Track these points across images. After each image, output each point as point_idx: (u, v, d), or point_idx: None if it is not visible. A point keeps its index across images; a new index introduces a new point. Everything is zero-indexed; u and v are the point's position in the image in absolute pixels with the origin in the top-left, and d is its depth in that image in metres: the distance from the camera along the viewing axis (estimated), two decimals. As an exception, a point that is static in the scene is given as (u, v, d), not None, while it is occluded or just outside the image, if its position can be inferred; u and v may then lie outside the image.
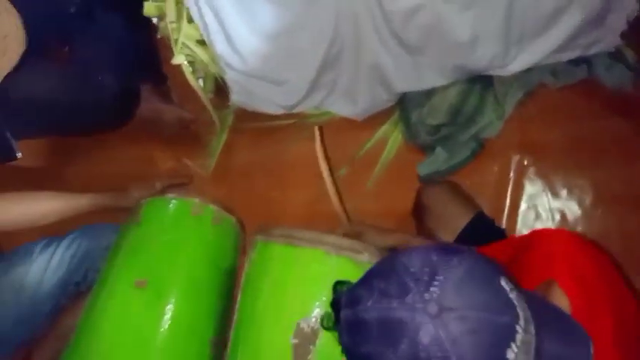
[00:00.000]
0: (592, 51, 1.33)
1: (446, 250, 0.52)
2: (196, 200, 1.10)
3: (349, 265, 0.90)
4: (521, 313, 0.49)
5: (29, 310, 1.23)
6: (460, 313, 0.47)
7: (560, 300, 0.62)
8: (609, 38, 1.29)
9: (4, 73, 1.36)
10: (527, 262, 0.71)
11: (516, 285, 0.51)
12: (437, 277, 0.49)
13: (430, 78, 1.31)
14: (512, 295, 0.50)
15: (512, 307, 0.49)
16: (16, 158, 1.43)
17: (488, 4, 1.14)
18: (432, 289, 0.49)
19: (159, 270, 1.01)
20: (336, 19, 1.16)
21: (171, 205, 1.09)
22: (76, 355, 1.04)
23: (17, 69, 1.38)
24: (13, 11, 1.36)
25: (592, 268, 0.67)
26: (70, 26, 1.40)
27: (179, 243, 1.05)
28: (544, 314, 0.52)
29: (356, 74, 1.32)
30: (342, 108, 1.43)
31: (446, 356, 0.46)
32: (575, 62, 1.36)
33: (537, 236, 0.77)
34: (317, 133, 1.40)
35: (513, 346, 0.47)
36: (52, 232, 1.28)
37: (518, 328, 0.48)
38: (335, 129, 1.45)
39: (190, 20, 1.23)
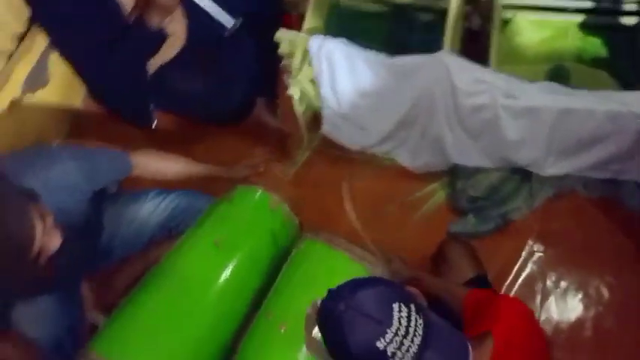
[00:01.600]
0: (621, 177, 1.59)
1: (377, 279, 0.89)
2: (275, 197, 1.47)
3: (364, 272, 1.27)
4: (396, 324, 0.81)
5: (132, 237, 1.62)
6: (358, 310, 0.82)
7: (487, 349, 0.93)
8: (637, 171, 1.55)
9: (166, 59, 1.79)
10: (485, 312, 1.02)
11: (419, 311, 0.83)
12: (360, 291, 0.85)
13: (480, 159, 1.62)
14: (399, 314, 0.82)
15: (390, 318, 0.81)
16: (151, 126, 1.86)
17: (537, 119, 1.44)
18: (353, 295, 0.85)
19: (234, 238, 1.38)
20: (419, 95, 1.49)
21: (257, 195, 1.48)
22: (154, 283, 1.41)
23: (173, 61, 1.81)
24: (184, 20, 1.80)
25: (521, 338, 0.98)
26: (219, 43, 1.81)
27: (254, 224, 1.43)
28: (440, 337, 0.85)
29: (422, 139, 1.64)
30: (405, 159, 1.76)
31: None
32: (606, 181, 1.63)
33: (502, 298, 1.08)
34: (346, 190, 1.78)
35: (382, 340, 0.80)
36: (163, 185, 1.69)
37: (388, 330, 0.80)
38: (394, 173, 1.79)
39: (309, 63, 1.60)
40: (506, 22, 1.80)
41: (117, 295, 1.62)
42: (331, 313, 0.84)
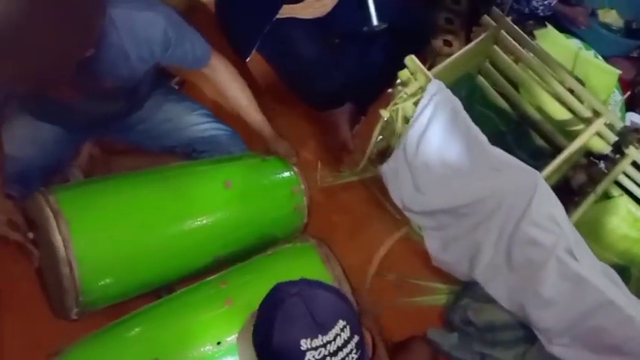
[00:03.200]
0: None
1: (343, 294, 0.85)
2: (303, 185, 1.41)
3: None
4: (330, 336, 0.77)
5: (158, 133, 1.58)
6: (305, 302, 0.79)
7: None
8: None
9: (299, 16, 1.78)
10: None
11: (358, 346, 0.78)
12: (319, 289, 0.81)
13: (500, 292, 1.51)
14: (340, 332, 0.77)
15: (329, 328, 0.77)
16: (245, 59, 1.82)
17: (581, 293, 1.32)
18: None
19: (244, 191, 1.33)
20: (491, 195, 1.40)
21: (289, 171, 1.45)
22: (148, 177, 1.35)
23: (303, 21, 1.79)
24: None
25: None
26: (353, 32, 1.79)
27: (269, 192, 1.40)
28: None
29: (462, 237, 1.54)
30: (433, 246, 1.65)
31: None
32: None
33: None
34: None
35: (309, 342, 0.76)
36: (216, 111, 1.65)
37: (320, 337, 0.77)
38: (415, 249, 1.71)
39: (415, 102, 1.54)
40: (606, 196, 1.70)
41: (106, 172, 1.57)
42: (278, 292, 0.79)
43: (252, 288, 1.18)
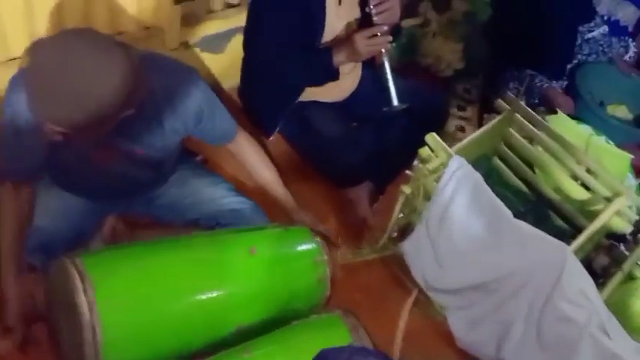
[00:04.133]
0: None
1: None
2: (325, 257, 1.40)
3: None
4: None
5: (182, 206, 1.59)
6: None
7: None
8: None
9: (319, 99, 1.86)
10: None
11: None
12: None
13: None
14: None
15: None
16: (268, 137, 1.88)
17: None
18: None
19: (270, 260, 1.33)
20: (519, 269, 1.38)
21: (313, 241, 1.44)
22: (176, 246, 1.34)
23: (324, 103, 1.87)
24: (358, 78, 1.88)
25: None
26: (373, 111, 1.86)
27: (294, 261, 1.39)
28: None
29: (488, 315, 1.50)
30: (458, 327, 1.60)
31: None
32: None
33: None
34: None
35: None
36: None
37: None
38: (438, 330, 1.65)
39: (436, 180, 1.56)
40: (630, 278, 1.67)
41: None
42: (328, 356, 0.73)
43: (277, 358, 1.14)
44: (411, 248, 1.66)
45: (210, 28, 1.91)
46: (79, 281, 1.10)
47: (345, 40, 1.69)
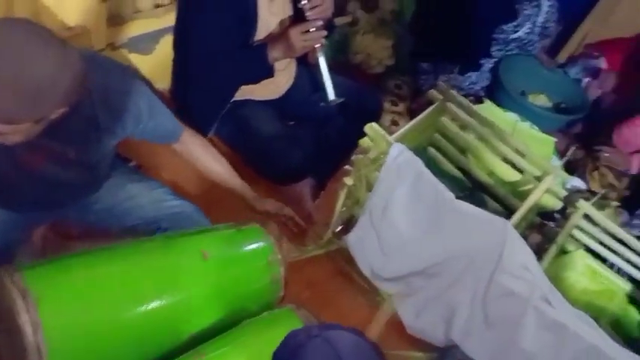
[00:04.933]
0: None
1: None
2: (278, 256, 1.37)
3: None
4: None
5: (119, 212, 1.50)
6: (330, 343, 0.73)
7: None
8: None
9: (254, 98, 1.84)
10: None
11: None
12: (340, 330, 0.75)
13: (480, 352, 1.48)
14: None
15: None
16: (206, 135, 1.84)
17: (562, 340, 1.32)
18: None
19: (223, 262, 1.27)
20: (462, 250, 1.42)
21: (266, 240, 1.39)
22: (123, 251, 1.27)
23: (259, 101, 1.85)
24: (293, 75, 1.88)
25: None
26: (310, 107, 1.86)
27: (247, 262, 1.34)
28: None
29: (435, 299, 1.53)
30: (406, 314, 1.62)
31: None
32: None
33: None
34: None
35: None
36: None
37: None
38: (388, 320, 1.67)
39: (378, 169, 1.58)
40: (564, 252, 1.76)
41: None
42: (294, 338, 0.71)
43: (232, 356, 1.10)
44: (356, 240, 1.66)
45: (138, 28, 1.85)
46: (20, 298, 1.01)
47: (279, 36, 1.68)
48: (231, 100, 1.80)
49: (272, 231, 1.69)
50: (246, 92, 1.82)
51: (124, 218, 1.51)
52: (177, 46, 1.81)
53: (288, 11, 1.75)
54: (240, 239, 1.36)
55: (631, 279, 1.71)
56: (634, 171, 2.21)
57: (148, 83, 1.94)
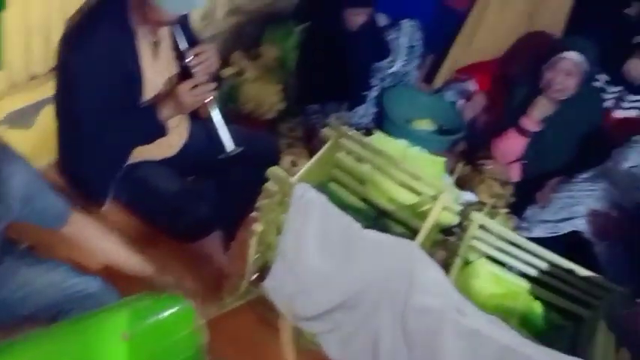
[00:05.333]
0: None
1: None
2: (201, 322, 1.34)
3: None
4: None
5: (11, 302, 1.40)
6: None
7: None
8: None
9: (150, 158, 1.81)
10: None
11: None
12: None
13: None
14: None
15: None
16: (101, 207, 1.77)
17: (479, 346, 1.40)
18: None
19: (146, 338, 1.21)
20: (375, 277, 1.47)
21: (187, 309, 1.34)
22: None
23: (161, 163, 1.82)
24: (187, 130, 1.88)
25: None
26: (209, 161, 1.86)
27: (167, 335, 1.28)
28: None
29: (358, 329, 1.56)
30: (332, 348, 1.64)
31: None
32: None
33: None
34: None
35: None
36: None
37: None
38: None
39: (285, 211, 1.61)
40: (468, 263, 1.88)
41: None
42: None
43: None
44: (274, 284, 1.67)
45: (15, 103, 1.76)
46: None
47: (168, 94, 1.68)
48: (127, 164, 1.76)
49: (188, 289, 1.67)
50: (141, 153, 1.79)
51: (17, 309, 1.40)
52: (62, 114, 1.75)
53: (173, 69, 1.77)
54: (158, 309, 1.29)
55: (530, 277, 1.86)
56: (515, 178, 2.41)
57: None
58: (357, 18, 2.40)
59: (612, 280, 1.81)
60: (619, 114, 2.50)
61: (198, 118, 1.93)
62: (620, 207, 2.05)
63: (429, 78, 2.95)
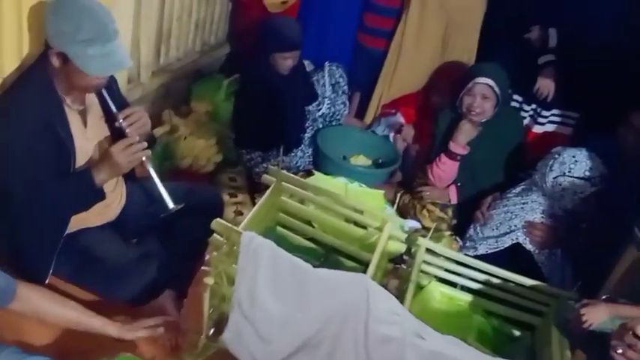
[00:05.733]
0: None
1: None
2: None
3: None
4: None
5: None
6: None
7: None
8: None
9: (91, 225, 1.76)
10: None
11: None
12: None
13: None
14: None
15: None
16: (44, 281, 1.69)
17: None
18: None
19: None
20: (333, 314, 1.47)
21: None
22: None
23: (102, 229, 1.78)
24: (124, 193, 1.85)
25: None
26: (152, 221, 1.83)
27: None
28: None
29: (325, 369, 1.56)
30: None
31: None
32: None
33: None
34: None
35: None
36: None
37: None
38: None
39: (235, 262, 1.60)
40: (421, 288, 1.92)
41: None
42: None
43: None
44: (232, 336, 1.63)
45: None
46: None
47: (102, 158, 1.66)
48: (65, 234, 1.71)
49: (144, 354, 1.61)
50: (79, 222, 1.74)
51: None
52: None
53: (105, 132, 1.75)
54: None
55: (482, 293, 1.92)
56: (454, 201, 2.51)
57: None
58: (286, 62, 2.50)
59: (557, 286, 1.90)
60: (537, 129, 2.68)
61: (136, 179, 1.91)
62: (552, 215, 2.17)
63: (360, 115, 3.07)
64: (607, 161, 2.11)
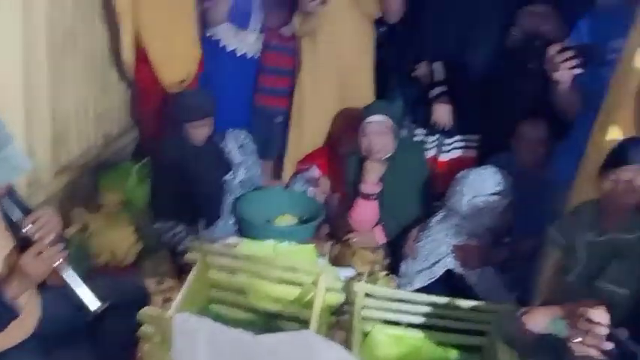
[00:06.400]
0: None
1: None
2: None
3: None
4: None
5: None
6: None
7: None
8: None
9: (11, 345, 1.62)
10: None
11: None
12: None
13: None
14: None
15: None
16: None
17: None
18: None
19: None
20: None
21: None
22: None
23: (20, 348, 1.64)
24: (39, 302, 1.73)
25: None
26: (75, 328, 1.71)
27: None
28: None
29: None
30: None
31: None
32: None
33: None
34: None
35: None
36: None
37: None
38: None
39: (169, 348, 1.51)
40: (366, 334, 1.90)
41: None
42: None
43: None
44: None
45: None
46: None
47: (10, 271, 1.54)
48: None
49: None
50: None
51: None
52: None
53: (10, 243, 1.64)
54: None
55: (426, 326, 1.92)
56: (382, 241, 2.54)
57: None
58: (201, 130, 2.50)
59: (495, 302, 1.94)
60: (444, 157, 2.81)
61: (52, 287, 1.79)
62: (476, 235, 2.25)
63: (277, 176, 3.09)
64: (511, 172, 2.25)
